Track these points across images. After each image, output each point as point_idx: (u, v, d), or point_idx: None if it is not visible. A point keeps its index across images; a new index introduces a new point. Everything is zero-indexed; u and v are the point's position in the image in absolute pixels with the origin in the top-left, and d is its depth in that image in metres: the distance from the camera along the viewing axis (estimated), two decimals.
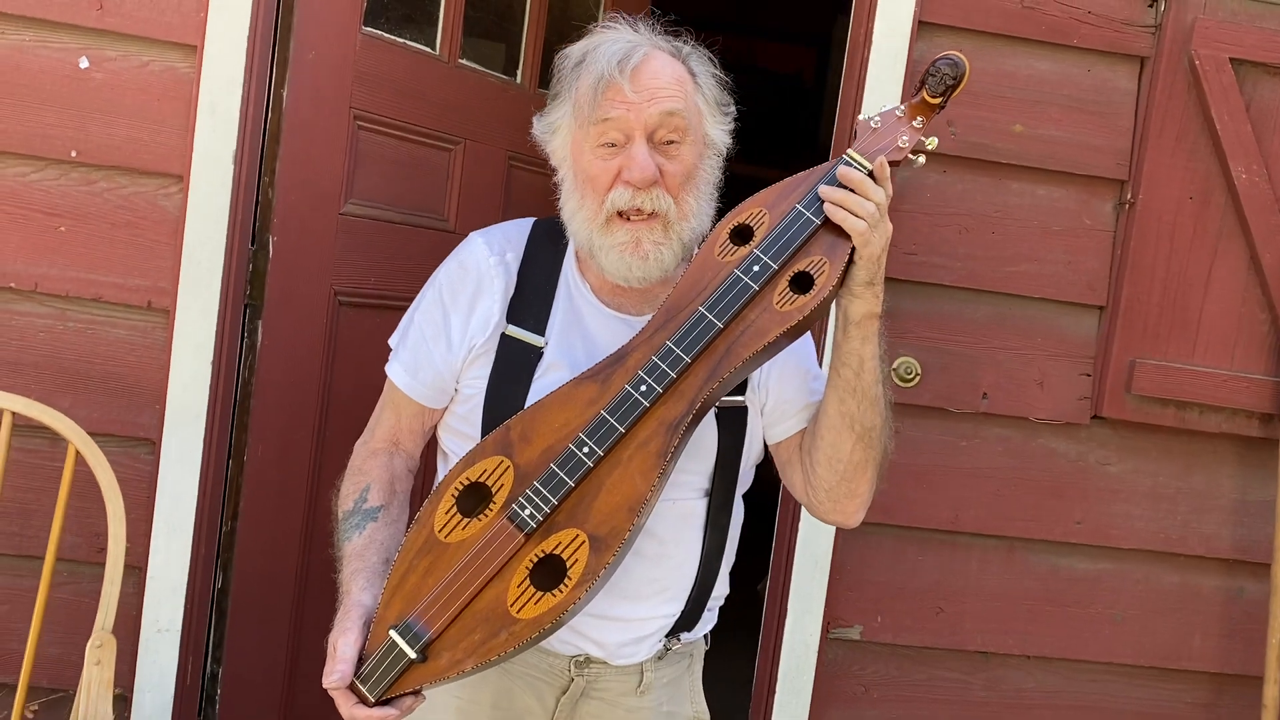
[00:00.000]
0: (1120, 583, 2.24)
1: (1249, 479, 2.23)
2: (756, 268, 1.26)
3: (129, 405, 1.98)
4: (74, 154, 1.92)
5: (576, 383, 1.28)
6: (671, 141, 1.31)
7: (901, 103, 1.33)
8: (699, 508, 1.37)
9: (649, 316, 1.36)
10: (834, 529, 2.13)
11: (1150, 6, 2.12)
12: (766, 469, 1.52)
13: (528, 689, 1.39)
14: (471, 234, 1.43)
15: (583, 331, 1.37)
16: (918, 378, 2.14)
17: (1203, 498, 2.23)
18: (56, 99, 1.92)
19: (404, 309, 1.50)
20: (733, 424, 1.37)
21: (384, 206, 2.28)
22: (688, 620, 1.41)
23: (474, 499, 1.28)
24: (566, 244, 1.40)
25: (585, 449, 1.25)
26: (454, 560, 1.26)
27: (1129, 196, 2.13)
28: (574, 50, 1.33)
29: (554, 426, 1.27)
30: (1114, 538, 2.22)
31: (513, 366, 1.34)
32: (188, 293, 1.96)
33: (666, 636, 1.41)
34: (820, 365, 1.53)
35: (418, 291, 1.47)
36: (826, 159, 1.43)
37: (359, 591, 1.29)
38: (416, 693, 1.27)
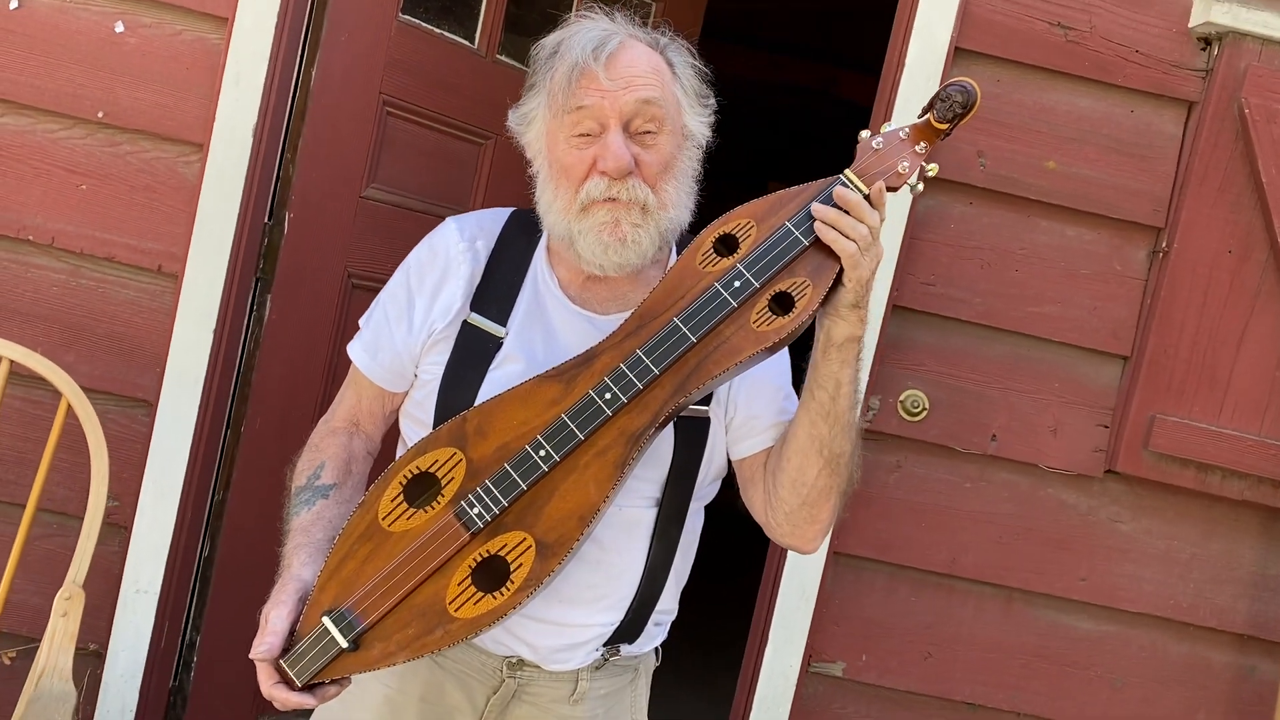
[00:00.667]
0: (1123, 647, 2.14)
1: (1271, 552, 2.11)
2: (738, 283, 1.22)
3: (131, 366, 2.01)
4: (101, 115, 1.96)
5: (540, 380, 1.25)
6: (648, 131, 1.28)
7: (906, 124, 1.28)
8: (647, 517, 1.34)
9: (614, 316, 1.33)
10: (825, 559, 2.07)
11: (1203, 50, 2.03)
12: None
13: (459, 686, 1.36)
14: (447, 219, 1.41)
15: (545, 326, 1.34)
16: (925, 412, 2.07)
17: (1219, 567, 2.12)
18: (89, 60, 1.96)
19: None
20: (692, 435, 1.33)
21: (407, 194, 2.28)
22: (627, 632, 1.37)
23: (422, 489, 1.25)
24: (540, 236, 1.38)
25: (542, 452, 1.22)
26: (395, 551, 1.24)
27: (1164, 245, 2.05)
28: (549, 40, 1.32)
29: (512, 424, 1.24)
30: (1120, 599, 2.12)
31: (470, 355, 1.32)
32: (197, 259, 1.98)
33: (605, 646, 1.37)
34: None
35: None
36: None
37: (299, 566, 1.28)
38: (341, 680, 1.25)
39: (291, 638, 1.24)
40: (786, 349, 1.36)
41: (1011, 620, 2.13)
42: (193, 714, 2.15)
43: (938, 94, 1.25)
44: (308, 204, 2.10)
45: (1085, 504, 2.11)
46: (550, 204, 1.31)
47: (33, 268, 1.99)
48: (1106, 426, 2.09)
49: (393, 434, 1.48)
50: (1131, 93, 2.04)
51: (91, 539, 1.79)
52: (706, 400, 1.33)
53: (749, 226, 1.24)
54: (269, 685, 1.22)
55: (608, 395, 1.22)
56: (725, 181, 2.32)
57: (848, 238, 1.19)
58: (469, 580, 1.22)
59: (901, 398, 2.07)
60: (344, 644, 1.21)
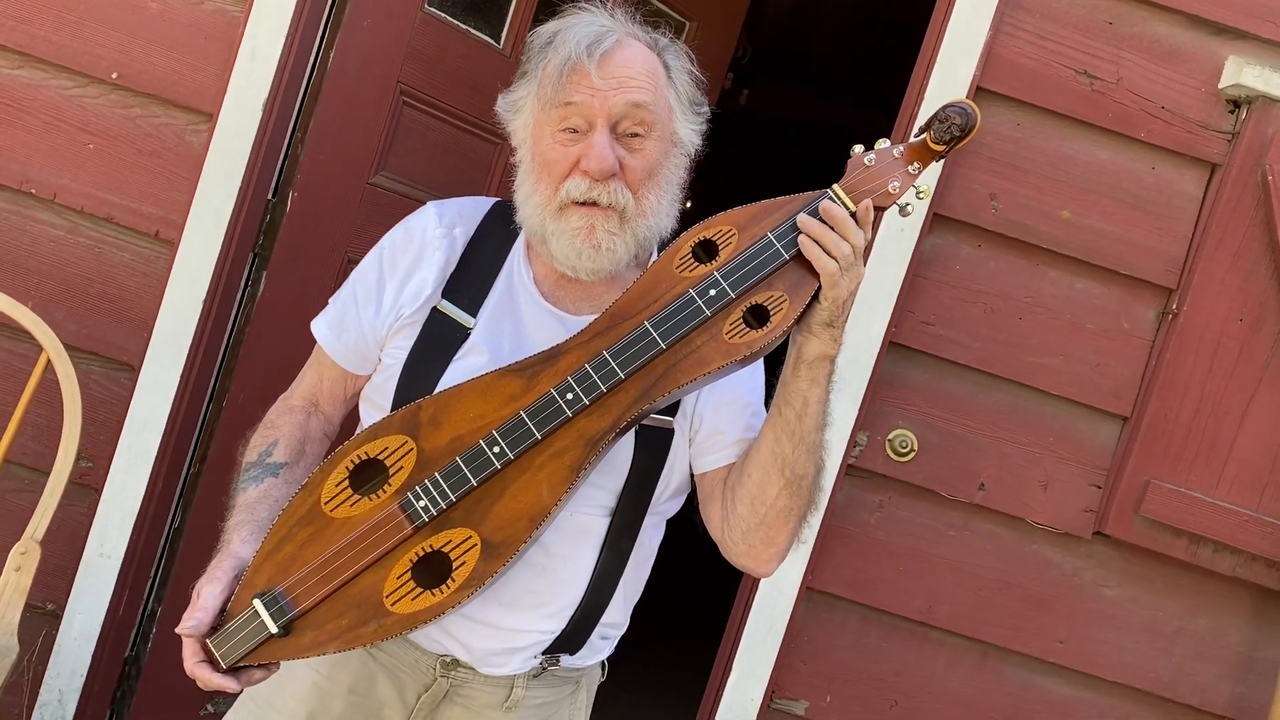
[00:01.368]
0: (1098, 716, 2.07)
1: (1260, 633, 2.05)
2: (713, 292, 1.19)
3: (119, 328, 2.00)
4: (115, 76, 1.97)
5: (501, 374, 1.22)
6: (636, 135, 1.25)
7: (901, 143, 1.24)
8: (598, 525, 1.30)
9: (585, 317, 1.30)
10: (798, 592, 2.02)
11: (1231, 113, 1.99)
12: None
13: (390, 680, 1.32)
14: (428, 203, 1.39)
15: (515, 320, 1.31)
16: (913, 454, 2.03)
17: (1205, 644, 2.05)
18: (110, 21, 1.96)
19: None
20: (654, 445, 1.30)
21: (416, 185, 2.27)
22: (569, 642, 1.32)
23: (369, 476, 1.22)
24: (520, 229, 1.35)
25: (496, 448, 1.18)
26: (335, 538, 1.20)
27: (1174, 306, 1.99)
28: (545, 28, 1.29)
29: (468, 416, 1.21)
30: (1099, 666, 2.06)
31: (435, 343, 1.29)
32: (194, 228, 1.97)
33: (544, 655, 1.33)
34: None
35: None
36: None
37: (239, 543, 1.25)
38: (268, 665, 1.22)
39: (222, 616, 1.21)
40: (760, 364, 1.33)
41: (984, 676, 2.07)
42: (146, 686, 2.13)
43: (936, 114, 1.21)
44: (313, 184, 2.09)
45: (1070, 564, 2.05)
46: (528, 196, 1.29)
47: (32, 221, 1.99)
48: (1099, 487, 2.03)
49: (352, 417, 1.45)
50: (1154, 149, 2.00)
51: (55, 496, 1.78)
52: (671, 411, 1.30)
53: (730, 234, 1.21)
54: (192, 663, 1.18)
55: (569, 395, 1.18)
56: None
57: (829, 255, 1.16)
58: (409, 575, 1.18)
59: (890, 436, 2.02)
60: (273, 629, 1.18)
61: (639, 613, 1.44)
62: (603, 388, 1.18)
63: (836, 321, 1.18)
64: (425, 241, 1.33)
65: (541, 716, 1.37)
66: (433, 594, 1.18)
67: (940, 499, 2.04)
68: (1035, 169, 2.00)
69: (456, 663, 1.31)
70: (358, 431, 1.40)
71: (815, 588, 2.05)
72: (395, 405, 1.28)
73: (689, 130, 1.30)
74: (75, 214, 1.99)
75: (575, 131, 1.24)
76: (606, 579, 1.31)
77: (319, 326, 1.37)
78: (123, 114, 1.99)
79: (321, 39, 2.05)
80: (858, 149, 1.22)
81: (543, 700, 1.37)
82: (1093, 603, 2.05)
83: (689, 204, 1.55)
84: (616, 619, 1.38)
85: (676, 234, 1.30)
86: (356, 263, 2.16)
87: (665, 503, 1.35)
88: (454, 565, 1.18)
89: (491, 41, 2.36)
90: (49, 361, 1.82)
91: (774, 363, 1.30)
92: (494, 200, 1.40)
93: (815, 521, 1.32)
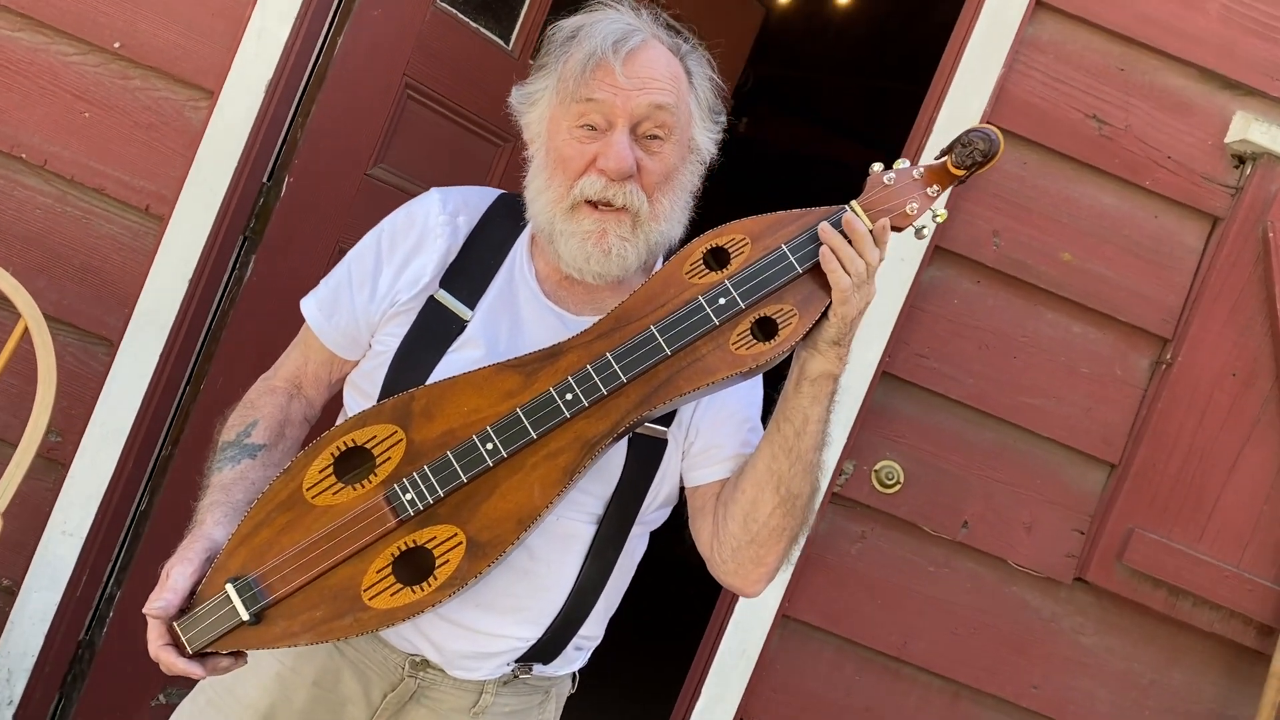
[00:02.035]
0: None
1: (1233, 691, 2.03)
2: (723, 300, 1.16)
3: (100, 302, 1.95)
4: (117, 45, 1.93)
5: (498, 369, 1.19)
6: (655, 137, 1.23)
7: (921, 164, 1.23)
8: (585, 532, 1.26)
9: (587, 318, 1.27)
10: (773, 619, 1.99)
11: (1235, 167, 1.99)
12: None
13: (356, 676, 1.28)
14: (432, 189, 1.36)
15: (513, 316, 1.28)
16: (899, 486, 2.00)
17: (1178, 698, 2.03)
18: None
19: None
20: (646, 454, 1.27)
21: (414, 180, 2.24)
22: (544, 651, 1.29)
23: (354, 464, 1.18)
24: (525, 224, 1.32)
25: (489, 445, 1.15)
26: (315, 526, 1.16)
27: (1168, 356, 1.99)
28: (568, 22, 1.27)
29: (462, 410, 1.17)
30: (1070, 714, 2.03)
31: (430, 332, 1.26)
32: (186, 205, 1.94)
33: (517, 662, 1.29)
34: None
35: None
36: None
37: (212, 525, 1.21)
38: (237, 654, 1.18)
39: (191, 599, 1.17)
40: (760, 379, 1.30)
41: (955, 717, 2.04)
42: (98, 670, 2.06)
43: (959, 138, 1.19)
44: (310, 171, 2.06)
45: (1049, 609, 2.03)
46: (540, 191, 1.26)
47: (20, 186, 1.95)
48: (1082, 532, 2.01)
49: (334, 402, 1.42)
50: (1157, 198, 2.00)
51: (21, 469, 1.73)
52: (667, 420, 1.27)
53: (743, 243, 1.18)
54: (157, 645, 1.14)
55: (569, 396, 1.15)
56: None
57: (845, 270, 1.14)
58: (389, 569, 1.15)
59: (877, 467, 2.00)
60: (245, 615, 1.14)
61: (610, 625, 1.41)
62: (603, 390, 1.15)
63: (844, 340, 1.16)
64: (427, 228, 1.30)
65: None
66: (413, 591, 1.14)
67: (923, 534, 2.02)
68: (1039, 209, 1.99)
69: (426, 663, 1.27)
70: (339, 417, 1.37)
71: (791, 615, 2.01)
72: (384, 393, 1.25)
73: (707, 138, 1.28)
74: (65, 182, 1.95)
75: (594, 129, 1.22)
76: (589, 588, 1.27)
77: (309, 306, 1.34)
78: (122, 84, 1.95)
79: (330, 24, 2.03)
80: (877, 167, 1.20)
81: (511, 709, 1.33)
82: (1069, 649, 2.03)
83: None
84: (593, 630, 1.34)
85: (683, 243, 1.28)
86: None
87: (652, 513, 1.32)
88: (437, 563, 1.14)
89: (500, 42, 2.35)
90: (26, 329, 1.77)
91: (773, 378, 1.27)
92: (499, 192, 1.38)
93: (801, 544, 1.29)
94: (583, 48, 1.22)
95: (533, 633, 1.27)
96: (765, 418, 1.28)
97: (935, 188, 1.20)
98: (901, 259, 1.95)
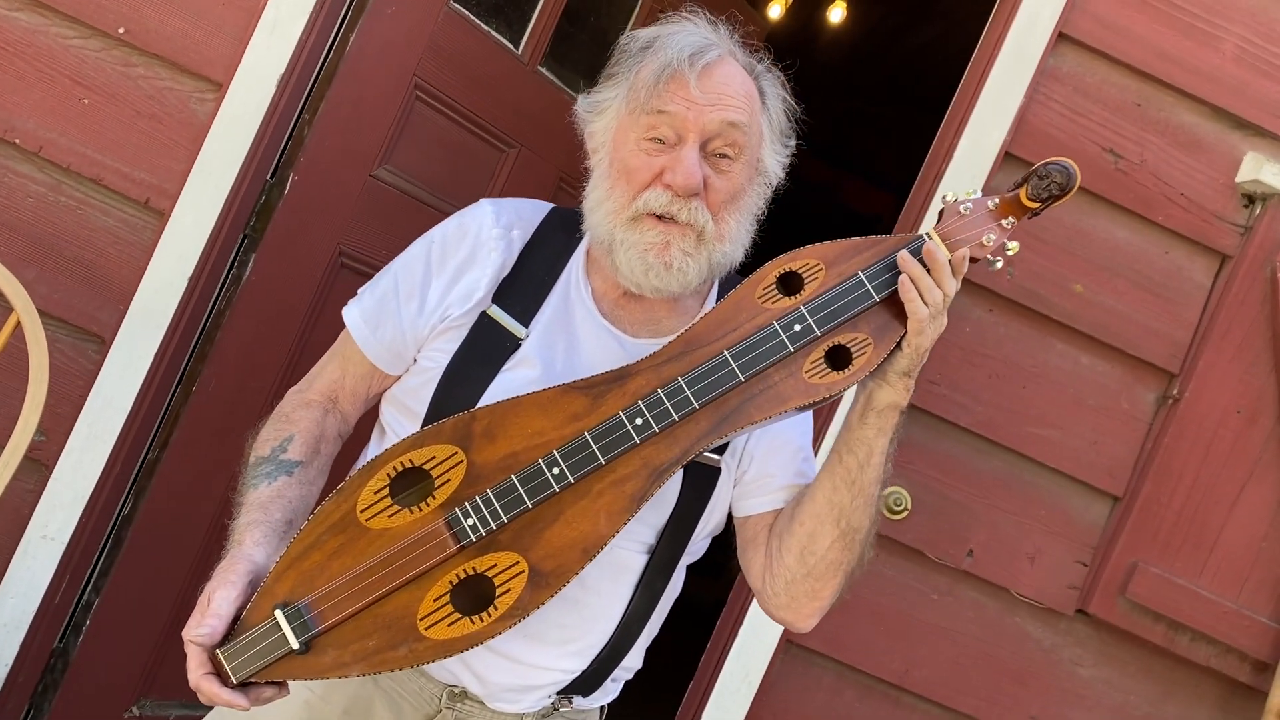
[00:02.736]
0: None
1: None
2: (798, 327, 1.13)
3: (93, 297, 1.87)
4: (122, 31, 1.85)
5: (564, 390, 1.14)
6: (725, 155, 1.20)
7: (996, 195, 1.21)
8: (637, 562, 1.22)
9: (643, 341, 1.24)
10: (776, 646, 1.96)
11: (1246, 207, 2.01)
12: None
13: (389, 706, 1.22)
14: (482, 199, 1.31)
15: (569, 335, 1.24)
16: (906, 512, 1.99)
17: None
18: None
19: None
20: (700, 483, 1.23)
21: (417, 183, 2.19)
22: (587, 683, 1.24)
23: (411, 486, 1.13)
24: (580, 238, 1.28)
25: (555, 470, 1.10)
26: (370, 550, 1.10)
27: (1175, 391, 2.00)
28: (644, 32, 1.23)
29: (526, 431, 1.12)
30: None
31: (483, 350, 1.21)
32: (189, 200, 1.86)
33: (558, 695, 1.25)
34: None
35: None
36: None
37: (252, 545, 1.14)
38: (281, 684, 1.11)
39: (235, 626, 1.10)
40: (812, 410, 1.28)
41: None
42: (71, 681, 1.97)
43: (1035, 169, 1.18)
44: (314, 170, 1.99)
45: (1049, 640, 2.03)
46: (600, 202, 1.22)
47: (11, 173, 1.86)
48: (1085, 564, 2.02)
49: (368, 418, 1.36)
50: (1169, 234, 2.01)
51: (9, 469, 1.64)
52: (721, 448, 1.24)
53: (817, 268, 1.15)
54: (199, 675, 1.06)
55: (639, 420, 1.11)
56: None
57: (923, 300, 1.11)
58: (447, 598, 1.09)
59: (885, 492, 1.97)
60: (295, 644, 1.07)
61: None
62: (674, 416, 1.11)
63: (913, 371, 1.14)
64: (480, 240, 1.25)
65: None
66: (472, 621, 1.08)
67: (927, 561, 2.01)
68: (1053, 240, 2.00)
69: (465, 694, 1.22)
70: (375, 433, 1.32)
71: (794, 640, 1.99)
72: (432, 411, 1.19)
73: (775, 161, 1.25)
74: (60, 170, 1.86)
75: (662, 142, 1.18)
76: (636, 619, 1.23)
77: (352, 316, 1.27)
78: (124, 72, 1.87)
79: (343, 20, 1.97)
80: (949, 195, 1.19)
81: None
82: (1067, 681, 2.03)
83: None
84: (634, 661, 1.30)
85: (744, 269, 1.25)
86: (348, 255, 2.11)
87: (698, 544, 1.29)
88: (498, 592, 1.09)
89: (511, 46, 2.30)
90: (18, 323, 1.68)
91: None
92: (550, 205, 1.33)
93: (856, 578, 1.26)
94: (657, 58, 1.18)
95: (578, 665, 1.23)
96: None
97: (1010, 219, 1.18)
98: None
